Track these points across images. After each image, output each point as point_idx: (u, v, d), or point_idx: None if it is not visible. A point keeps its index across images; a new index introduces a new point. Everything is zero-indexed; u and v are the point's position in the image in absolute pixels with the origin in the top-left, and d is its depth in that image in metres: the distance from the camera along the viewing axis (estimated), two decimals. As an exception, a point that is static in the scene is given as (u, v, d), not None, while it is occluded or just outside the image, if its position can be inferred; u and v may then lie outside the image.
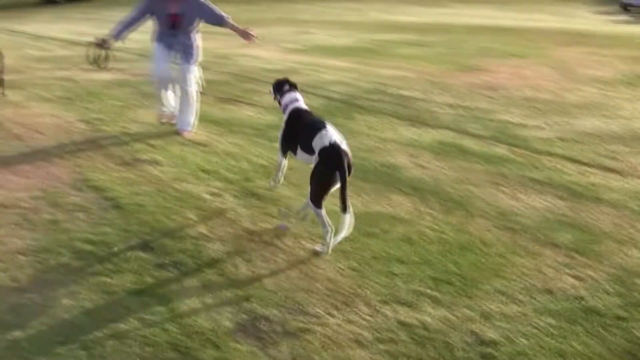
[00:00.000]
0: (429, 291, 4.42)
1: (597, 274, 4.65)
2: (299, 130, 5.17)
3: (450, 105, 9.77)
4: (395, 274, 4.63)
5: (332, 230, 4.94)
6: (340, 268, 4.74)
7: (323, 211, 4.92)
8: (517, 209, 5.77)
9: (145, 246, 5.05)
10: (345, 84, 11.57)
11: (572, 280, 4.57)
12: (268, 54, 15.66)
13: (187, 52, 8.17)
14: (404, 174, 6.68)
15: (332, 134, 4.92)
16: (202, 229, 5.35)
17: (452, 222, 5.47)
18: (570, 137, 8.01)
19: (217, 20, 8.10)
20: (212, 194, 6.14)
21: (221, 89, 11.21)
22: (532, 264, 4.78)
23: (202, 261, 4.81)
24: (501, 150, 7.53)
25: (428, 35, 20.35)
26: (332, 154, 4.82)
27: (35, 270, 4.74)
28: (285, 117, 5.39)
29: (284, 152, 5.46)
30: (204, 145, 7.81)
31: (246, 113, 9.44)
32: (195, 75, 8.34)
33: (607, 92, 10.70)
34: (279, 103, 5.57)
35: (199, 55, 8.30)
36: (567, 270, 4.70)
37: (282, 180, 5.78)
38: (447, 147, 7.63)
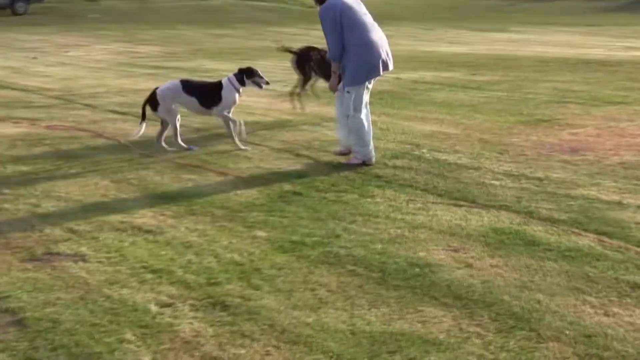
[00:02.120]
0: None
1: None
2: None
3: (511, 176, 9.86)
4: None
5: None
6: (346, 415, 4.75)
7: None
8: (610, 328, 5.77)
9: (60, 381, 5.07)
10: (358, 144, 11.70)
11: None
12: (248, 100, 15.84)
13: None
14: (441, 276, 6.71)
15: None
16: (145, 355, 5.36)
17: (512, 348, 5.48)
18: (687, 223, 8.07)
19: None
20: (162, 305, 6.16)
21: (178, 151, 11.33)
22: (630, 411, 4.77)
23: (144, 404, 4.82)
24: (586, 241, 7.57)
25: (480, 72, 20.67)
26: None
27: None
28: None
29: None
30: (152, 232, 7.88)
31: (214, 186, 9.53)
32: (345, 99, 10.62)
33: None
34: None
35: (349, 78, 10.46)
36: (682, 420, 4.69)
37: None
38: (506, 237, 7.68)
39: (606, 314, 6.00)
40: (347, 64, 10.38)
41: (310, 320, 5.87)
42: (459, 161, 10.59)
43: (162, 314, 6.00)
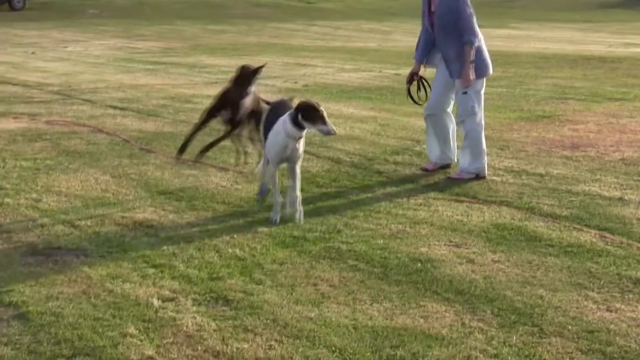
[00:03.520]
0: None
1: None
2: None
3: (512, 171, 9.88)
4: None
5: None
6: (349, 409, 4.76)
7: None
8: (612, 324, 5.78)
9: (63, 375, 5.08)
10: (358, 140, 11.72)
11: None
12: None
13: (450, 68, 9.81)
14: (443, 272, 6.74)
15: None
16: (149, 349, 5.38)
17: (515, 343, 5.50)
18: (689, 219, 8.09)
19: (460, 35, 9.58)
20: (164, 299, 6.18)
21: (179, 146, 11.32)
22: (634, 405, 4.79)
23: (147, 398, 4.83)
24: (588, 237, 7.60)
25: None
26: None
27: None
28: None
29: None
30: (153, 227, 7.89)
31: (214, 181, 9.54)
32: (464, 101, 9.73)
33: None
34: None
35: (472, 73, 9.59)
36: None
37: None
38: (508, 233, 7.70)
39: (608, 310, 6.02)
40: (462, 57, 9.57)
41: (312, 315, 5.89)
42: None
43: (164, 308, 6.02)
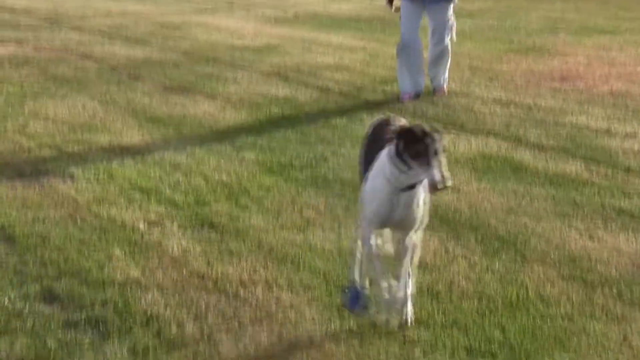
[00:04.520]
0: (460, 367, 4.49)
1: None
2: None
3: (500, 102, 9.88)
4: (414, 341, 4.69)
5: None
6: (333, 331, 4.80)
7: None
8: (594, 252, 5.83)
9: (49, 296, 5.10)
10: (348, 70, 11.68)
11: (669, 355, 4.63)
12: (237, 24, 15.80)
13: None
14: (429, 200, 6.77)
15: None
16: (133, 271, 5.42)
17: (497, 270, 5.55)
18: (674, 151, 8.13)
19: None
20: (150, 223, 6.22)
21: (167, 73, 11.32)
22: (616, 333, 4.83)
23: (133, 318, 4.86)
24: (573, 167, 7.62)
25: None
26: None
27: None
28: None
29: None
30: (140, 152, 7.90)
31: (202, 108, 9.54)
32: (451, 21, 10.25)
33: None
34: None
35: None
36: (663, 341, 4.76)
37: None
38: (494, 162, 7.73)
39: (591, 238, 6.07)
40: None
41: (297, 240, 5.93)
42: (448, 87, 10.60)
43: (150, 232, 6.06)
